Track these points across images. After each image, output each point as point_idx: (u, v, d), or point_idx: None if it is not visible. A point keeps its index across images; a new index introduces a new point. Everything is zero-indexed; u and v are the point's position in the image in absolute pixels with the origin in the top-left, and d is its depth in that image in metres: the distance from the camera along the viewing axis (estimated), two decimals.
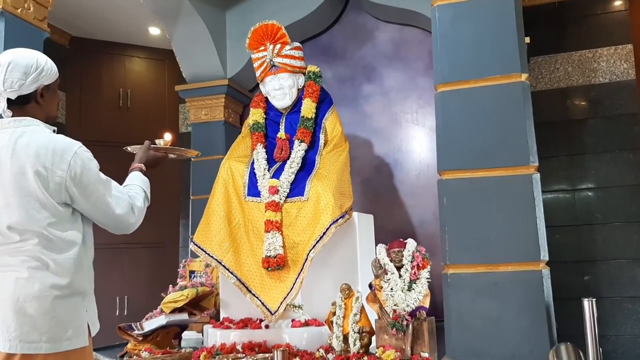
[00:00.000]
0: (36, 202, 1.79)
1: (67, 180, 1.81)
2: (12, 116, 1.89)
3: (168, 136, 2.54)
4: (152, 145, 2.36)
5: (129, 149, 2.49)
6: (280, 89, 3.73)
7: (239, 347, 3.13)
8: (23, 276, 1.77)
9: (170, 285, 3.93)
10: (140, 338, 3.36)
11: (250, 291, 3.30)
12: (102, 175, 1.92)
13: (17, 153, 1.81)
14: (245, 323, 3.37)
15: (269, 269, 3.25)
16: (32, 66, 1.87)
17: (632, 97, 4.49)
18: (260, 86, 3.88)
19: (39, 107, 1.92)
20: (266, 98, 3.87)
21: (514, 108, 2.57)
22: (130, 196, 2.00)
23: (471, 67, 2.65)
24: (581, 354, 1.47)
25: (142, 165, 2.22)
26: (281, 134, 3.72)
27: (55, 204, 1.81)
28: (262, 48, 3.74)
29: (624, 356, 4.28)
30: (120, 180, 2.11)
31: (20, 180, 1.79)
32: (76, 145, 1.87)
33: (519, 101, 2.57)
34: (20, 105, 1.89)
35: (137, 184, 2.10)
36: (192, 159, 5.07)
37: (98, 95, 5.85)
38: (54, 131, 1.93)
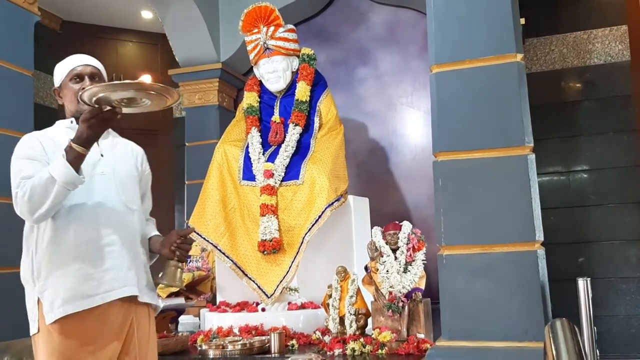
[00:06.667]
0: None
1: None
2: None
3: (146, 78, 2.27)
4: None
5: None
6: (274, 72, 3.70)
7: (235, 331, 3.15)
8: None
9: None
10: None
11: (246, 275, 3.31)
12: (16, 164, 1.82)
13: None
14: (241, 306, 3.38)
15: (265, 252, 3.26)
16: None
17: (626, 79, 4.48)
18: (254, 69, 3.85)
19: (63, 108, 2.04)
20: (260, 81, 3.84)
21: (509, 88, 2.56)
22: (20, 185, 1.77)
23: (466, 47, 2.64)
24: (576, 329, 1.48)
25: (71, 140, 1.74)
26: (275, 117, 3.70)
27: None
28: (256, 30, 3.70)
29: (617, 336, 4.32)
30: None
31: None
32: (21, 139, 1.91)
33: (514, 81, 2.56)
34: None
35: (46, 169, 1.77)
36: (187, 144, 5.03)
37: None
38: (71, 122, 1.98)
